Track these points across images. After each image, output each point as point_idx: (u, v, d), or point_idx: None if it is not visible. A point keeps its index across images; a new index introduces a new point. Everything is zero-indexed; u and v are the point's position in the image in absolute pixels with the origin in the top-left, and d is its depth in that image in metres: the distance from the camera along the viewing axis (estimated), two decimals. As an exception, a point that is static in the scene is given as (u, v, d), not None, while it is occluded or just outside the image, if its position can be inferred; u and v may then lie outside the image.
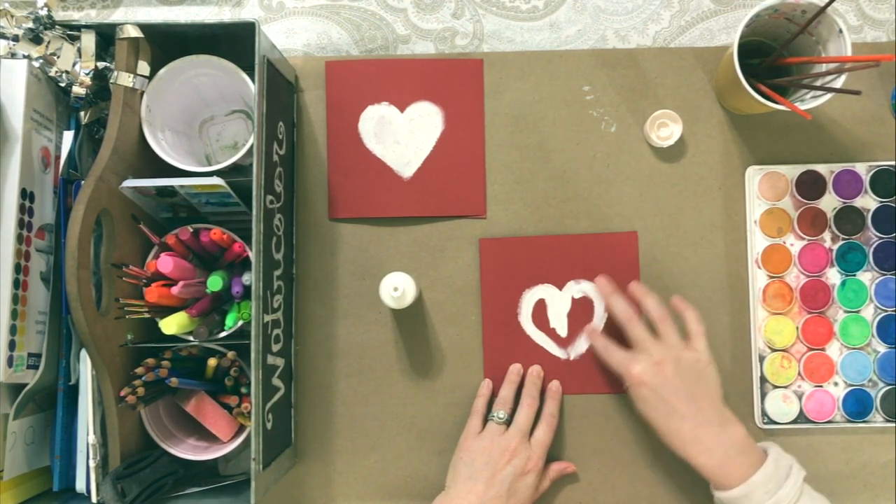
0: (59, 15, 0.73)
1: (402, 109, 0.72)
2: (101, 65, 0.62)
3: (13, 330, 0.58)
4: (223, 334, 0.63)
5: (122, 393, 0.59)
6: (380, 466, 0.70)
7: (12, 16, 0.61)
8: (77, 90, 0.62)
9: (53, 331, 0.62)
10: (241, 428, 0.65)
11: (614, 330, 0.67)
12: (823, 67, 0.62)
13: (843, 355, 0.69)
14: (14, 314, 0.58)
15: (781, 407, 0.69)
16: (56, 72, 0.61)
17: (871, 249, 0.69)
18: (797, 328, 0.69)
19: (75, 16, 0.74)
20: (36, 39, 0.61)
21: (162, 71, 0.63)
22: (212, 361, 0.61)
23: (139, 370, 0.60)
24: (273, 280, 0.63)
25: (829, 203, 0.69)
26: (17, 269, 0.59)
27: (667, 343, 0.63)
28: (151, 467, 0.61)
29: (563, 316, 0.70)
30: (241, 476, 0.67)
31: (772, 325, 0.69)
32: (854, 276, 0.69)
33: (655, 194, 0.71)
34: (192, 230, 0.62)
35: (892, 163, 0.69)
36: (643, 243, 0.71)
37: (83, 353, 0.59)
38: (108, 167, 0.58)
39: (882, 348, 0.69)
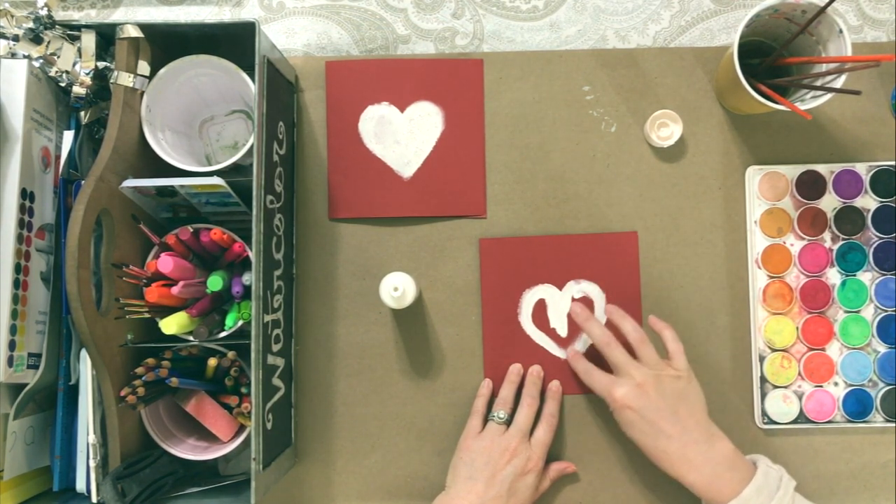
0: (60, 15, 0.73)
1: (402, 109, 0.72)
2: (101, 65, 0.62)
3: (13, 330, 0.58)
4: (223, 334, 0.63)
5: (122, 393, 0.59)
6: (380, 466, 0.70)
7: (12, 16, 0.61)
8: (77, 90, 0.62)
9: (53, 331, 0.62)
10: (241, 428, 0.65)
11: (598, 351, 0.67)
12: (823, 67, 0.62)
13: (844, 355, 0.69)
14: (14, 314, 0.58)
15: (781, 407, 0.69)
16: (56, 72, 0.61)
17: (872, 249, 0.69)
18: (797, 328, 0.69)
19: (75, 16, 0.74)
20: (36, 39, 0.61)
21: (162, 71, 0.63)
22: (212, 361, 0.61)
23: (139, 370, 0.60)
24: (273, 280, 0.63)
25: (830, 203, 0.70)
26: (18, 268, 0.59)
27: (647, 364, 0.63)
28: (151, 467, 0.61)
29: (563, 316, 0.70)
30: (241, 476, 0.67)
31: (772, 325, 0.69)
32: (854, 276, 0.69)
33: (655, 194, 0.71)
34: (192, 230, 0.62)
35: (892, 163, 0.69)
36: (643, 243, 0.71)
37: (83, 353, 0.59)
38: (108, 167, 0.58)
39: (882, 348, 0.69)
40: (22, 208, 0.59)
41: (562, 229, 0.71)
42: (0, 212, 0.58)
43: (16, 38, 0.60)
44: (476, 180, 0.71)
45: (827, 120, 0.71)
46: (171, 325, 0.60)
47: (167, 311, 0.61)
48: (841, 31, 0.60)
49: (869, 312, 0.69)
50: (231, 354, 0.62)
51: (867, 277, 0.69)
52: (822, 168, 0.70)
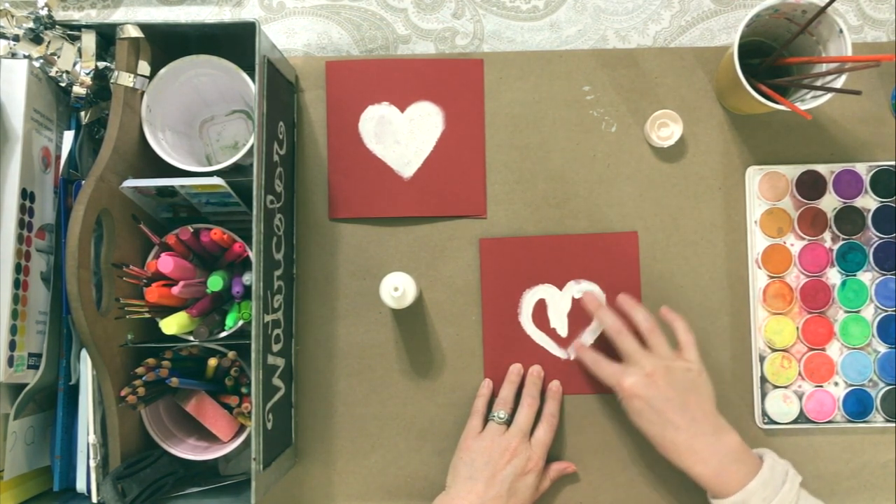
0: (60, 15, 0.73)
1: (402, 109, 0.72)
2: (101, 65, 0.62)
3: (13, 330, 0.58)
4: (223, 334, 0.63)
5: (123, 393, 0.59)
6: (380, 466, 0.70)
7: (13, 16, 0.61)
8: (77, 90, 0.62)
9: (54, 331, 0.62)
10: (242, 428, 0.65)
11: (606, 342, 0.67)
12: (824, 67, 0.62)
13: (844, 355, 0.69)
14: (14, 314, 0.58)
15: (782, 407, 0.69)
16: (56, 72, 0.61)
17: (872, 249, 0.69)
18: (797, 328, 0.69)
19: (76, 16, 0.74)
20: (36, 39, 0.61)
21: (162, 71, 0.63)
22: (212, 361, 0.61)
23: (139, 370, 0.60)
24: (273, 280, 0.63)
25: (830, 203, 0.70)
26: (18, 268, 0.59)
27: (657, 354, 0.63)
28: (152, 467, 0.61)
29: (563, 316, 0.70)
30: (241, 476, 0.67)
31: (772, 325, 0.69)
32: (854, 276, 0.69)
33: (655, 194, 0.71)
34: (192, 230, 0.62)
35: (893, 163, 0.69)
36: (643, 243, 0.71)
37: (83, 353, 0.59)
38: (108, 167, 0.58)
39: (882, 348, 0.69)
40: (22, 208, 0.59)
41: (562, 229, 0.71)
42: (0, 212, 0.58)
43: (16, 38, 0.60)
44: (476, 180, 0.71)
45: (827, 120, 0.71)
46: (172, 325, 0.60)
47: (167, 311, 0.61)
48: (841, 31, 0.60)
49: (869, 312, 0.69)
50: (231, 354, 0.62)
51: (867, 277, 0.69)
52: (822, 168, 0.70)
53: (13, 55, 0.60)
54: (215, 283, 0.61)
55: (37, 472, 0.63)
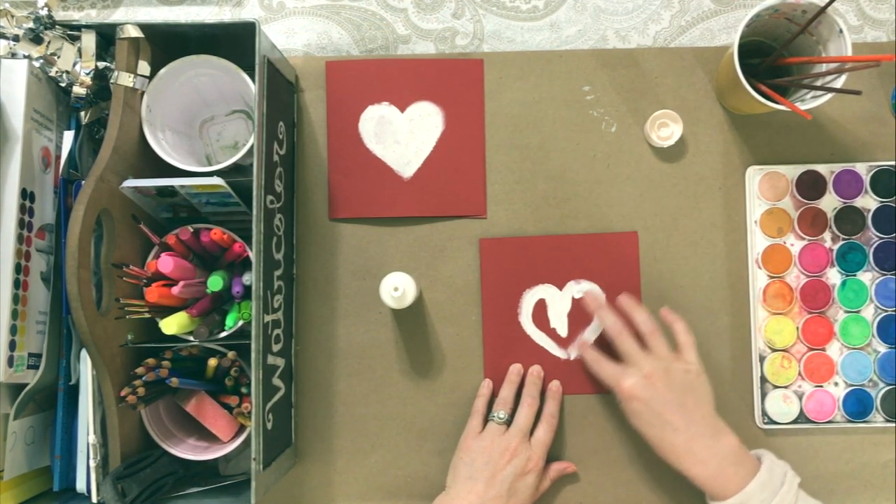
0: (60, 15, 0.73)
1: (402, 109, 0.72)
2: (101, 65, 0.62)
3: (13, 330, 0.58)
4: (223, 334, 0.63)
5: (123, 393, 0.59)
6: (380, 466, 0.70)
7: (12, 16, 0.61)
8: (77, 90, 0.62)
9: (54, 331, 0.62)
10: (242, 428, 0.65)
11: (606, 342, 0.67)
12: (823, 67, 0.62)
13: (844, 355, 0.69)
14: (14, 314, 0.58)
15: (782, 407, 0.69)
16: (56, 72, 0.61)
17: (872, 249, 0.69)
18: (797, 328, 0.69)
19: (75, 16, 0.74)
20: (36, 39, 0.61)
21: (162, 71, 0.63)
22: (212, 361, 0.61)
23: (139, 370, 0.60)
24: (273, 280, 0.63)
25: (830, 203, 0.69)
26: (18, 268, 0.59)
27: (657, 356, 0.63)
28: (152, 467, 0.61)
29: (563, 316, 0.70)
30: (241, 476, 0.67)
31: (772, 325, 0.69)
32: (854, 276, 0.69)
33: (655, 194, 0.71)
34: (192, 230, 0.62)
35: (893, 163, 0.69)
36: (643, 243, 0.71)
37: (83, 353, 0.59)
38: (108, 167, 0.58)
39: (882, 348, 0.69)
40: (22, 208, 0.59)
41: (562, 229, 0.71)
42: (0, 212, 0.58)
43: (16, 38, 0.60)
44: (476, 180, 0.71)
45: (827, 120, 0.71)
46: (172, 325, 0.60)
47: (167, 311, 0.61)
48: (841, 31, 0.60)
49: (869, 312, 0.69)
50: (231, 354, 0.62)
51: (867, 277, 0.69)
52: (822, 168, 0.70)
53: (13, 55, 0.60)
54: (215, 283, 0.61)
55: (37, 472, 0.63)
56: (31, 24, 0.60)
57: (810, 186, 0.70)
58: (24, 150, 0.59)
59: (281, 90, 0.66)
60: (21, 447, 0.60)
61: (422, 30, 0.73)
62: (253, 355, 0.58)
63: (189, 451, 0.64)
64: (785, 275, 0.69)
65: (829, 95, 0.61)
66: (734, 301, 0.70)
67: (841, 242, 0.69)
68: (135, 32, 0.60)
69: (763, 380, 0.69)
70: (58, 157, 0.63)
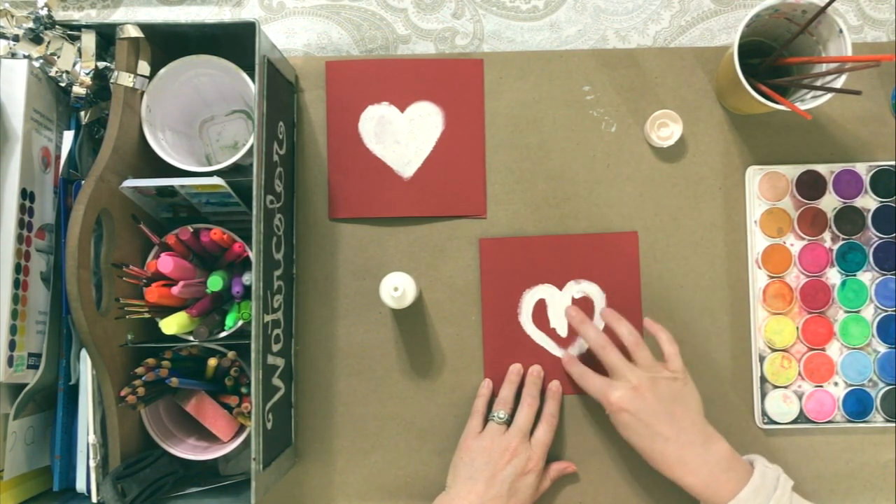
0: (60, 15, 0.73)
1: (402, 109, 0.72)
2: (101, 65, 0.62)
3: (13, 330, 0.58)
4: (223, 334, 0.63)
5: (123, 393, 0.59)
6: (380, 466, 0.70)
7: (12, 16, 0.61)
8: (77, 90, 0.62)
9: (53, 331, 0.62)
10: (242, 428, 0.65)
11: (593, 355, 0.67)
12: (823, 67, 0.62)
13: (844, 355, 0.69)
14: (14, 314, 0.58)
15: (781, 407, 0.69)
16: (56, 72, 0.61)
17: (872, 249, 0.69)
18: (797, 328, 0.69)
19: (75, 16, 0.74)
20: (36, 39, 0.61)
21: (162, 71, 0.63)
22: (212, 361, 0.61)
23: (139, 370, 0.60)
24: (273, 280, 0.63)
25: (830, 203, 0.70)
26: (18, 268, 0.59)
27: (643, 367, 0.63)
28: (151, 467, 0.61)
29: (563, 316, 0.70)
30: (241, 476, 0.67)
31: (772, 325, 0.69)
32: (854, 276, 0.69)
33: (655, 194, 0.71)
34: (192, 230, 0.62)
35: (892, 163, 0.69)
36: (643, 243, 0.71)
37: (83, 353, 0.59)
38: (108, 167, 0.58)
39: (882, 348, 0.69)
40: (22, 208, 0.59)
41: (562, 229, 0.71)
42: (0, 212, 0.58)
43: (16, 38, 0.60)
44: (476, 180, 0.71)
45: (827, 120, 0.71)
46: (171, 325, 0.60)
47: (167, 311, 0.61)
48: (841, 31, 0.60)
49: (869, 312, 0.69)
50: (231, 354, 0.62)
51: (867, 277, 0.69)
52: (822, 168, 0.70)
53: (13, 55, 0.60)
54: (215, 283, 0.61)
55: (37, 472, 0.63)
56: (31, 24, 0.60)
57: (810, 186, 0.70)
58: (24, 150, 0.59)
59: (281, 90, 0.66)
60: (21, 447, 0.60)
61: (422, 30, 0.73)
62: (253, 355, 0.58)
63: (189, 451, 0.64)
64: (785, 275, 0.69)
65: (829, 95, 0.61)
66: (734, 301, 0.70)
67: (841, 242, 0.69)
68: (135, 32, 0.60)
69: (763, 380, 0.69)
70: (58, 157, 0.63)
